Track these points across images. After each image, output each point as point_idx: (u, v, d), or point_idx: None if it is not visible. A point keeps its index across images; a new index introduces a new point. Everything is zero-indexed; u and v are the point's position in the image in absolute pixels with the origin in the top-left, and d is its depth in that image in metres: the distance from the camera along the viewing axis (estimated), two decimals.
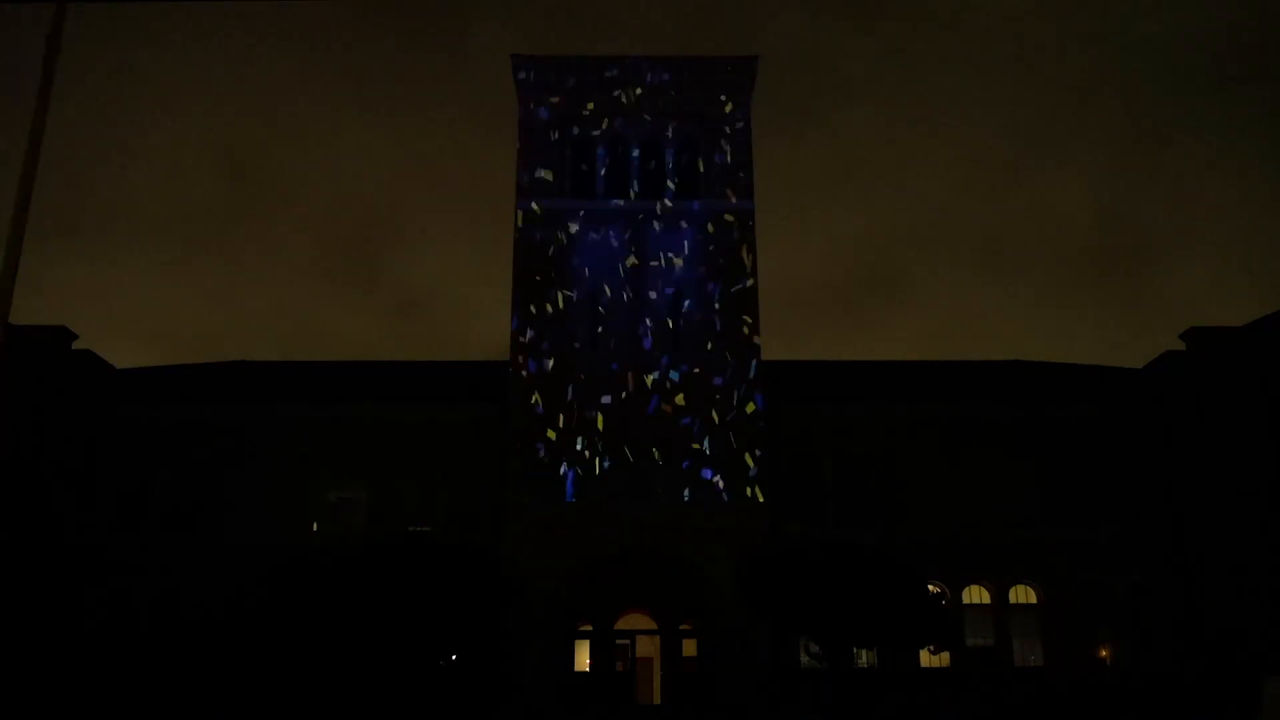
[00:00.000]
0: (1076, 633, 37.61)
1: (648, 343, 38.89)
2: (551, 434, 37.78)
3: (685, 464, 37.59)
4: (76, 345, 40.21)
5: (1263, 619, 35.66)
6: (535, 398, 38.16)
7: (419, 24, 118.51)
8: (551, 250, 39.89)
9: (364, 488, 39.12)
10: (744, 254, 39.96)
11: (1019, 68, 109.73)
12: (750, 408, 38.10)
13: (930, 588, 35.06)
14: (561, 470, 37.48)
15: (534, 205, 40.43)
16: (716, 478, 37.41)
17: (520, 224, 40.26)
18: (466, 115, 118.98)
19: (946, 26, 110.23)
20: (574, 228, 40.20)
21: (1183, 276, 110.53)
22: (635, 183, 41.10)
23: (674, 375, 38.51)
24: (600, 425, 37.89)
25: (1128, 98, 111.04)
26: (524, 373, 38.41)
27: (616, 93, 41.86)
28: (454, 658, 34.59)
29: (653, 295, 39.47)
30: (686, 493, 37.28)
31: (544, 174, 40.85)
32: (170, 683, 35.22)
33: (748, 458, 37.55)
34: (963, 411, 40.12)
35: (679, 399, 38.26)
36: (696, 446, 37.70)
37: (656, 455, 37.59)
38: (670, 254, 39.97)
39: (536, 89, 41.82)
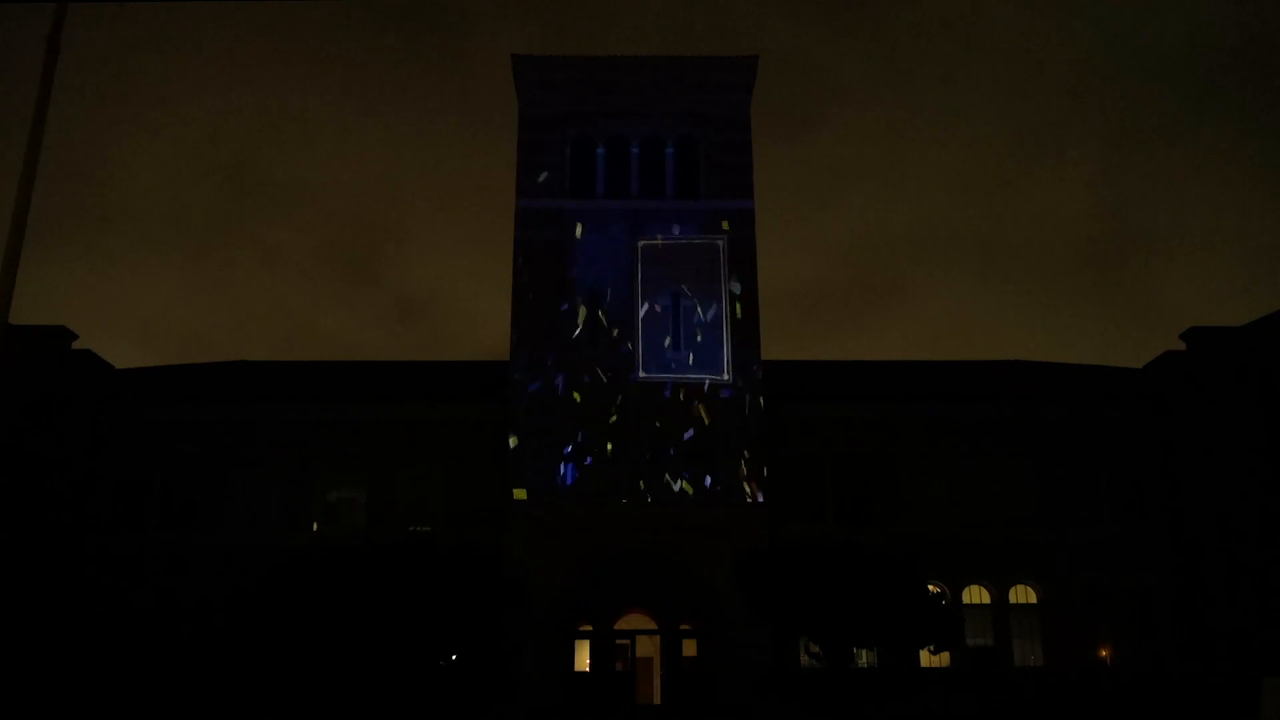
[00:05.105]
0: (1076, 633, 37.62)
1: (647, 342, 38.88)
2: (551, 434, 37.78)
3: (685, 464, 37.57)
4: (76, 345, 40.21)
5: (1263, 619, 35.69)
6: (535, 397, 38.14)
7: (419, 24, 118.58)
8: (551, 250, 39.85)
9: (364, 488, 39.15)
10: (743, 254, 39.93)
11: (1018, 68, 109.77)
12: (750, 408, 38.08)
13: (930, 588, 35.08)
14: (561, 470, 37.48)
15: (534, 205, 40.40)
16: (716, 477, 37.40)
17: (520, 224, 40.24)
18: (467, 115, 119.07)
19: (945, 28, 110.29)
20: (574, 228, 40.18)
21: (1183, 276, 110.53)
22: (635, 183, 41.09)
23: (674, 375, 38.50)
24: (600, 425, 37.88)
25: (1128, 98, 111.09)
26: (523, 372, 38.40)
27: (616, 93, 41.83)
28: (454, 658, 34.55)
29: (652, 295, 39.47)
30: (687, 493, 37.29)
31: (544, 174, 40.82)
32: (170, 682, 35.21)
33: (748, 457, 37.55)
34: (962, 411, 40.11)
35: (679, 399, 38.25)
36: (696, 446, 37.70)
37: (656, 455, 37.59)
38: (670, 253, 39.95)
39: (537, 89, 41.82)
